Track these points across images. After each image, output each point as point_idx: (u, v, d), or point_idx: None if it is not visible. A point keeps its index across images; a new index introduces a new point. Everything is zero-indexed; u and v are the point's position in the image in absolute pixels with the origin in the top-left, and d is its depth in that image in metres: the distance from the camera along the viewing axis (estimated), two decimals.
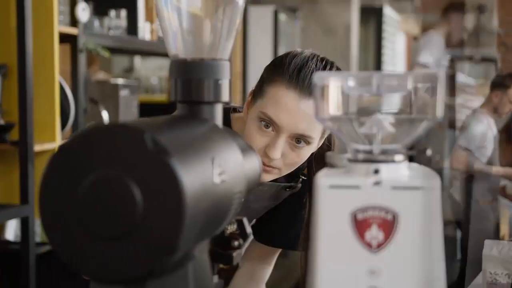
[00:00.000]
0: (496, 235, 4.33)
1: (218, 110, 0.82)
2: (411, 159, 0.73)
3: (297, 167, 1.29)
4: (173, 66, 0.82)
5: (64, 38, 2.61)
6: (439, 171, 4.28)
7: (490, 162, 4.28)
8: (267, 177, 1.27)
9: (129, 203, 0.60)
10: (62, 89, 2.55)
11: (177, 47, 0.82)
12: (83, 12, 2.62)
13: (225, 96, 0.83)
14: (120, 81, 3.17)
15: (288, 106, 1.21)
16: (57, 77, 2.49)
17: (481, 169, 4.26)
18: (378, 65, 7.40)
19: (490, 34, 9.31)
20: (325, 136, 1.31)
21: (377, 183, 0.68)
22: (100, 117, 2.84)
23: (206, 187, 0.66)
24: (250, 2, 4.85)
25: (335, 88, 0.71)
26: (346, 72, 0.73)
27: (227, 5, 0.82)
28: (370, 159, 0.70)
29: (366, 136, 0.72)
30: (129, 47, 3.11)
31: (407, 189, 0.67)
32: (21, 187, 2.33)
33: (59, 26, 2.54)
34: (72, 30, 2.63)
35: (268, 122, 1.23)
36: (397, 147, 0.71)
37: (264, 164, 1.24)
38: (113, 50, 3.16)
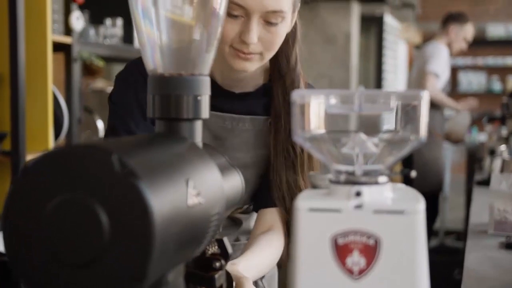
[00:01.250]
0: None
1: (198, 127, 0.79)
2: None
3: (277, 48, 1.23)
4: (151, 81, 0.79)
5: (58, 47, 2.59)
6: None
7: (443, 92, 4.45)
8: (250, 65, 1.23)
9: (95, 228, 0.57)
10: (55, 99, 2.52)
11: (155, 62, 0.80)
12: (77, 21, 2.59)
13: (205, 113, 0.80)
14: None
15: None
16: (51, 86, 2.46)
17: (448, 102, 4.40)
18: (378, 74, 7.37)
19: None
20: (297, 9, 1.28)
21: (358, 207, 0.65)
22: (95, 126, 2.81)
23: (178, 210, 0.63)
24: None
25: (315, 106, 0.68)
26: (327, 90, 0.70)
27: (206, 18, 0.79)
28: (352, 180, 0.67)
29: (348, 156, 0.70)
30: (125, 56, 3.08)
31: (390, 213, 0.64)
32: None
33: (53, 35, 2.51)
34: (66, 39, 2.60)
35: (235, 9, 1.17)
36: (381, 167, 0.69)
37: (243, 52, 1.20)
38: (110, 59, 3.13)
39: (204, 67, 0.81)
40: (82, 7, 2.72)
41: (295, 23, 1.31)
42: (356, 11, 5.59)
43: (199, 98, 0.79)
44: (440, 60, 4.28)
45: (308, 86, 1.36)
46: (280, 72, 1.32)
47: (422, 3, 9.95)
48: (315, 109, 0.68)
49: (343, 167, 0.69)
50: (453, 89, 10.19)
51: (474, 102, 4.80)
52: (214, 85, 1.26)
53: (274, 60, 1.32)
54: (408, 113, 0.67)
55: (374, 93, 0.68)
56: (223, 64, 1.26)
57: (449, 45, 4.41)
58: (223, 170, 0.80)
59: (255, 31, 1.18)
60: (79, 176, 0.58)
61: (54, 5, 2.55)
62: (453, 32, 4.36)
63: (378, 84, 7.36)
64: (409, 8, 9.27)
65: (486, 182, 2.75)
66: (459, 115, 4.73)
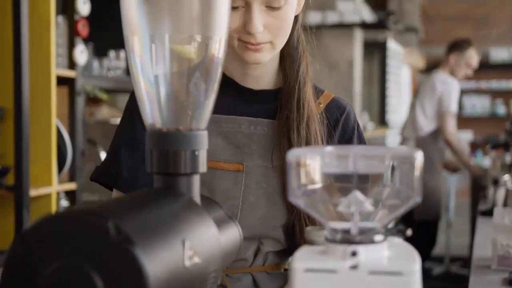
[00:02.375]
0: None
1: (195, 182, 0.80)
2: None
3: (287, 33, 1.15)
4: (149, 136, 0.80)
5: (62, 80, 2.61)
6: None
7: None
8: (262, 56, 1.15)
9: None
10: (59, 132, 2.54)
11: (154, 117, 0.80)
12: (81, 54, 2.62)
13: (202, 167, 0.81)
14: None
15: None
16: (54, 121, 2.47)
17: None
18: (382, 99, 7.39)
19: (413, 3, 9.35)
20: None
21: (354, 267, 0.65)
22: (98, 158, 2.82)
23: (175, 272, 0.63)
24: None
25: (310, 165, 0.69)
26: (322, 148, 0.70)
27: (206, 68, 0.80)
28: (347, 239, 0.67)
29: (344, 213, 0.70)
30: (128, 88, 3.10)
31: (386, 275, 0.64)
32: (16, 233, 2.30)
33: (57, 69, 2.54)
34: (70, 73, 2.62)
35: (233, 1, 1.10)
36: (376, 226, 0.69)
37: (251, 43, 1.13)
38: (114, 90, 3.16)
39: (201, 121, 0.82)
40: (86, 40, 2.75)
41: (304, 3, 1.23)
42: (359, 37, 5.62)
43: (196, 153, 0.79)
44: (455, 97, 4.31)
45: (316, 89, 1.28)
46: (285, 75, 1.24)
47: (425, 27, 10.00)
48: (310, 168, 0.68)
49: (339, 225, 0.69)
50: (457, 113, 10.18)
51: (480, 170, 4.88)
52: (232, 83, 1.24)
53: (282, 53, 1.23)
54: (403, 172, 0.67)
55: (369, 153, 0.68)
56: (238, 59, 1.18)
57: (453, 73, 4.43)
58: (220, 223, 0.80)
59: (259, 19, 1.10)
60: (75, 243, 0.59)
61: (58, 39, 2.58)
62: (453, 60, 4.38)
63: (382, 109, 7.38)
64: (412, 32, 9.33)
65: (490, 213, 2.74)
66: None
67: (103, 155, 2.89)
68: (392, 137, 7.54)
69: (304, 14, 1.25)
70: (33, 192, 2.39)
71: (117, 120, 3.18)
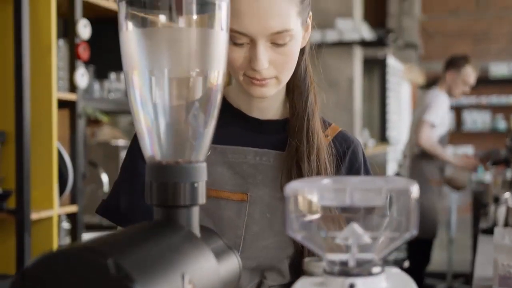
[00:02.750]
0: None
1: (195, 213, 0.81)
2: None
3: (292, 67, 1.15)
4: (148, 169, 0.81)
5: (63, 103, 2.62)
6: None
7: (441, 142, 4.40)
8: (267, 91, 1.15)
9: None
10: (60, 155, 2.55)
11: (153, 150, 0.81)
12: (82, 78, 2.63)
13: (201, 199, 0.81)
14: (121, 142, 3.17)
15: (248, 10, 1.08)
16: (55, 144, 2.49)
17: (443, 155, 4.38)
18: (383, 115, 7.41)
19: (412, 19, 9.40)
20: (308, 19, 1.20)
21: None
22: (100, 180, 2.83)
23: None
24: None
25: (308, 199, 0.69)
26: (319, 182, 0.71)
27: (205, 99, 0.81)
28: (345, 272, 0.68)
29: (342, 245, 0.71)
30: (129, 110, 3.11)
31: None
32: (17, 257, 2.30)
33: (58, 92, 2.55)
34: (71, 96, 2.64)
35: (238, 38, 1.10)
36: (374, 257, 0.69)
37: (256, 79, 1.13)
38: (115, 112, 3.17)
39: (200, 153, 0.83)
40: (87, 63, 2.77)
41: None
42: (358, 55, 5.65)
43: (195, 185, 0.80)
44: (437, 110, 4.30)
45: (323, 122, 1.28)
46: (293, 106, 1.23)
47: (425, 43, 10.04)
48: (307, 201, 0.69)
49: (336, 257, 0.70)
50: (458, 128, 10.23)
51: (474, 162, 4.81)
52: (239, 114, 1.24)
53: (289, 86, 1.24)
54: (399, 205, 0.68)
55: (365, 186, 0.69)
56: (244, 92, 1.19)
57: (450, 90, 4.45)
58: (220, 254, 0.81)
59: (264, 56, 1.10)
60: (75, 280, 0.59)
61: (59, 63, 2.59)
62: (450, 78, 4.40)
63: (383, 126, 7.39)
64: (412, 48, 9.37)
65: (491, 231, 2.74)
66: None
67: (104, 177, 2.90)
68: (393, 154, 7.55)
69: (310, 45, 1.26)
70: (34, 216, 2.39)
71: (118, 141, 3.20)
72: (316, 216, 0.70)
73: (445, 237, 5.56)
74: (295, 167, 1.19)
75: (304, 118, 1.21)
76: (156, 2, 0.79)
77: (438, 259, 6.46)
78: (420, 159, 4.41)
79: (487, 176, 6.74)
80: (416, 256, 4.42)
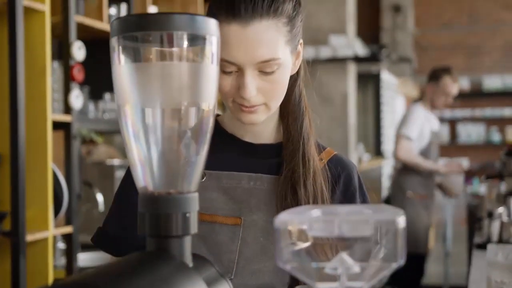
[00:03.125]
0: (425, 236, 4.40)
1: (187, 243, 0.82)
2: None
3: (282, 94, 1.17)
4: (141, 199, 0.82)
5: (58, 125, 2.63)
6: None
7: (424, 154, 4.36)
8: (257, 117, 1.17)
9: None
10: (55, 176, 2.56)
11: (146, 180, 0.83)
12: (77, 99, 2.65)
13: (193, 229, 0.83)
14: (117, 161, 3.18)
15: (235, 40, 1.10)
16: (50, 165, 2.49)
17: (423, 164, 4.33)
18: (377, 130, 7.44)
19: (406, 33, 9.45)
20: (299, 46, 1.20)
21: None
22: (95, 200, 2.84)
23: None
24: None
25: (297, 230, 0.71)
26: (308, 213, 0.72)
27: (193, 140, 0.83)
28: None
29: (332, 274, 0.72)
30: None
31: None
32: (12, 279, 2.30)
33: (53, 114, 2.56)
34: (66, 118, 2.65)
35: (226, 66, 1.12)
36: (363, 286, 0.71)
37: (245, 106, 1.14)
38: (110, 131, 3.18)
39: (192, 183, 0.84)
40: (81, 84, 2.79)
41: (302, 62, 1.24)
42: (352, 70, 5.68)
43: (187, 215, 0.81)
44: (413, 123, 4.30)
45: (318, 146, 1.28)
46: (288, 131, 1.24)
47: (419, 57, 10.10)
48: (297, 233, 0.71)
49: (326, 286, 0.71)
50: (453, 141, 10.27)
51: (459, 166, 4.78)
52: (233, 139, 1.26)
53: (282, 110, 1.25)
54: (387, 236, 0.70)
55: (354, 218, 0.70)
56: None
57: (432, 103, 4.46)
58: (212, 282, 0.82)
59: (252, 84, 1.12)
60: None
61: (54, 84, 2.61)
62: (431, 90, 4.43)
63: (377, 140, 7.42)
64: (406, 62, 9.42)
65: (485, 246, 2.75)
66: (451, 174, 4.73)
67: (99, 197, 2.91)
68: (388, 168, 7.57)
69: (305, 70, 1.27)
70: (29, 237, 2.40)
71: (113, 161, 3.21)
72: (305, 246, 0.72)
73: (441, 250, 5.57)
74: (291, 191, 1.20)
75: (300, 143, 1.22)
76: (148, 37, 0.81)
77: (434, 272, 6.47)
78: (402, 174, 4.41)
79: (482, 188, 6.76)
80: (408, 271, 4.41)
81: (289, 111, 1.25)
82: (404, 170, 4.36)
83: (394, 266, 0.70)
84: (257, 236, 1.20)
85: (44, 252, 2.49)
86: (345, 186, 1.27)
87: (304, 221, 0.71)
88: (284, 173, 1.22)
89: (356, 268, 0.71)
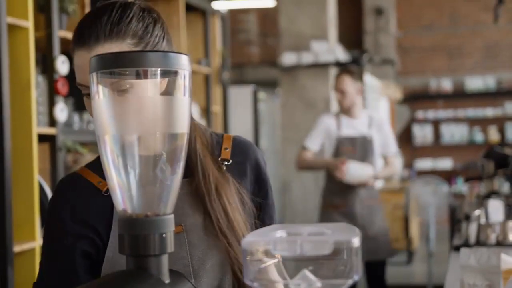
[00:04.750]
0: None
1: (164, 261, 0.89)
2: None
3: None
4: (121, 222, 0.89)
5: (43, 137, 2.69)
6: None
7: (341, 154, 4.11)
8: None
9: None
10: (41, 188, 2.61)
11: (124, 204, 0.89)
12: (61, 112, 2.70)
13: (170, 247, 0.89)
14: None
15: (82, 64, 1.18)
16: (36, 177, 2.55)
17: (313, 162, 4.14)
18: None
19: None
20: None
21: None
22: None
23: None
24: (231, 83, 4.97)
25: (262, 251, 0.78)
26: (273, 235, 0.79)
27: (168, 167, 0.89)
28: None
29: None
30: None
31: None
32: None
33: (38, 127, 2.62)
34: (51, 130, 2.70)
35: (84, 89, 1.18)
36: None
37: None
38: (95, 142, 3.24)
39: (168, 205, 0.91)
40: (66, 96, 2.84)
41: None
42: (334, 75, 5.76)
43: (164, 235, 0.88)
44: (312, 132, 4.16)
45: (214, 134, 1.33)
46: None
47: (402, 58, 10.21)
48: (262, 253, 0.78)
49: None
50: (436, 141, 10.39)
51: (341, 160, 4.17)
52: None
53: None
54: (343, 254, 0.77)
55: (314, 239, 0.77)
56: None
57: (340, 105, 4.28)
58: None
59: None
60: None
61: (38, 98, 2.66)
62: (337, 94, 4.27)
63: None
64: (389, 64, 9.53)
65: (463, 247, 2.81)
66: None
67: None
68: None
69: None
70: (17, 248, 2.45)
71: None
72: (270, 266, 0.79)
73: (425, 250, 5.67)
74: (204, 206, 1.25)
75: (198, 162, 1.26)
76: (124, 72, 0.88)
77: (418, 272, 6.57)
78: (323, 189, 4.29)
79: (464, 188, 6.85)
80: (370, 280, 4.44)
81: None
82: (325, 184, 4.21)
83: (350, 282, 0.77)
84: (200, 235, 1.25)
85: (32, 262, 2.54)
86: (254, 171, 1.33)
87: (269, 242, 0.78)
88: (196, 178, 1.26)
89: (318, 284, 0.78)
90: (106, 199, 1.23)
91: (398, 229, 7.11)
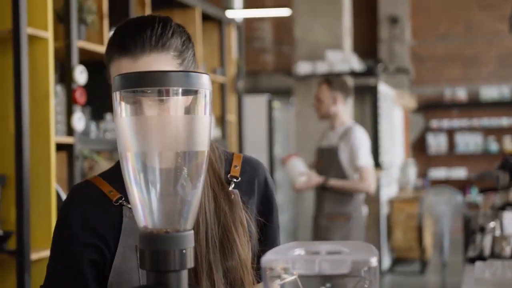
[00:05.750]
0: None
1: (184, 276, 0.90)
2: None
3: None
4: (142, 238, 0.90)
5: (61, 146, 2.72)
6: None
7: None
8: None
9: None
10: (59, 197, 2.64)
11: (146, 220, 0.91)
12: (79, 121, 2.74)
13: (190, 263, 0.91)
14: None
15: (125, 71, 1.17)
16: (54, 186, 2.58)
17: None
18: (375, 142, 7.50)
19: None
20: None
21: None
22: None
23: None
24: (245, 91, 4.99)
25: (281, 269, 0.79)
26: (291, 253, 0.81)
27: (189, 183, 0.91)
28: None
29: None
30: None
31: None
32: None
33: (56, 136, 2.65)
34: (69, 139, 2.74)
35: None
36: None
37: None
38: (112, 150, 3.27)
39: (188, 221, 0.92)
40: (83, 105, 2.87)
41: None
42: (349, 83, 5.76)
43: (184, 251, 0.90)
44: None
45: (225, 153, 1.34)
46: None
47: (416, 67, 10.19)
48: (281, 271, 0.79)
49: None
50: (451, 151, 10.35)
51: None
52: None
53: None
54: (362, 272, 0.78)
55: (332, 257, 0.79)
56: None
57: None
58: None
59: (149, 112, 1.10)
60: None
61: (57, 107, 2.70)
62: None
63: (375, 151, 7.48)
64: (404, 73, 9.51)
65: (477, 260, 2.81)
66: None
67: None
68: (386, 179, 7.65)
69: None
70: (34, 256, 2.48)
71: None
72: (289, 283, 0.80)
73: (438, 260, 5.65)
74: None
75: None
76: (146, 91, 0.90)
77: (432, 282, 6.54)
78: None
79: (479, 198, 6.81)
80: None
81: None
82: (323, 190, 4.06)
83: None
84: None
85: None
86: (262, 190, 1.34)
87: (287, 261, 0.79)
88: None
89: None
90: (115, 208, 1.25)
91: (411, 238, 7.09)
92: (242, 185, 1.32)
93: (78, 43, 2.82)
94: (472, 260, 3.12)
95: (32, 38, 2.54)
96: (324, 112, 4.12)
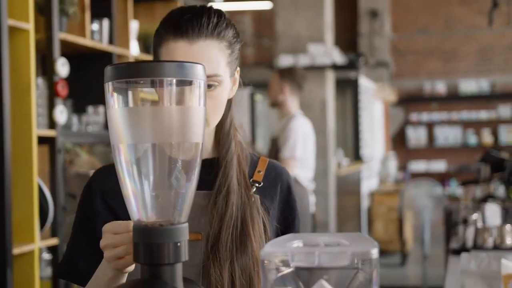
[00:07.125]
0: None
1: (178, 269, 0.89)
2: None
3: (220, 113, 1.24)
4: (135, 231, 0.89)
5: (43, 139, 2.68)
6: None
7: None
8: None
9: None
10: (41, 190, 2.61)
11: (139, 213, 0.89)
12: (61, 114, 2.70)
13: (184, 256, 0.89)
14: None
15: (182, 55, 1.18)
16: (36, 179, 2.54)
17: None
18: (356, 134, 7.54)
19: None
20: (236, 73, 1.28)
21: None
22: None
23: None
24: None
25: (280, 261, 0.78)
26: (290, 245, 0.80)
27: (182, 176, 0.90)
28: None
29: None
30: (106, 141, 3.19)
31: None
32: None
33: (38, 129, 2.61)
34: (50, 132, 2.70)
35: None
36: None
37: None
38: (94, 143, 3.24)
39: (182, 214, 0.91)
40: (65, 98, 2.84)
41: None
42: (330, 78, 5.77)
43: (179, 244, 0.88)
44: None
45: (251, 156, 1.35)
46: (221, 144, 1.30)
47: (396, 61, 10.23)
48: (280, 263, 0.78)
49: None
50: (431, 144, 10.42)
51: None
52: None
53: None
54: (362, 265, 0.77)
55: (331, 251, 0.78)
56: None
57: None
58: None
59: None
60: None
61: (38, 100, 2.66)
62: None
63: (356, 144, 7.52)
64: (384, 67, 9.55)
65: (460, 251, 2.82)
66: None
67: None
68: (367, 171, 7.68)
69: (235, 101, 1.34)
70: (16, 250, 2.44)
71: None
72: (288, 275, 0.79)
73: (419, 252, 5.69)
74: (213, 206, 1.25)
75: (228, 164, 1.27)
76: (139, 82, 0.88)
77: (413, 274, 6.59)
78: None
79: (459, 190, 6.87)
80: None
81: (221, 136, 1.31)
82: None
83: None
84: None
85: (31, 264, 2.53)
86: (284, 196, 1.34)
87: (286, 253, 0.78)
88: (216, 188, 1.26)
89: None
90: None
91: (392, 231, 7.14)
92: (265, 189, 1.32)
93: (59, 35, 2.78)
94: (455, 252, 3.14)
95: (13, 30, 2.50)
96: (272, 100, 4.19)
